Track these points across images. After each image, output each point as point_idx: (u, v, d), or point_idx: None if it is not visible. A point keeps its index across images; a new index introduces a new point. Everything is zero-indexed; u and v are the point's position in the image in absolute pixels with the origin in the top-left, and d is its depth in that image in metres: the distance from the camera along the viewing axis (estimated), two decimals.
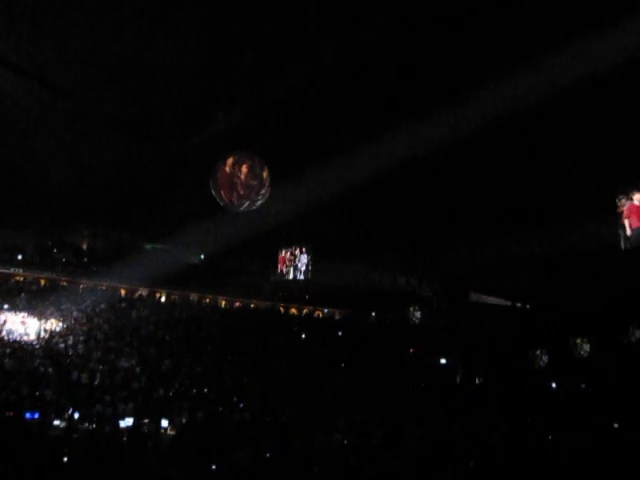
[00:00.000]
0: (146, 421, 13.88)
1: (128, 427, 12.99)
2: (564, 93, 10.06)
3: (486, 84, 10.56)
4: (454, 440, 14.40)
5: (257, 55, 10.93)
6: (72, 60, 11.99)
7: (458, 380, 25.81)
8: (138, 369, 18.68)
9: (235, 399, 17.33)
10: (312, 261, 23.80)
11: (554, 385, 26.22)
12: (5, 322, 21.89)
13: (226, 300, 31.79)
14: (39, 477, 10.06)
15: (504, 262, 19.72)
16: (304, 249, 23.60)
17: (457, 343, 27.24)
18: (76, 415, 13.89)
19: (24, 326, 21.78)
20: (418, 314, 24.39)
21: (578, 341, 23.74)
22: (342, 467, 10.68)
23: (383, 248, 22.26)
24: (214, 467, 10.50)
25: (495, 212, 16.81)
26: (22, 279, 27.17)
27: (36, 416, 13.26)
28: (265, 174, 9.66)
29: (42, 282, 27.68)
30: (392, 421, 15.83)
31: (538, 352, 24.31)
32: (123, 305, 26.82)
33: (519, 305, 31.86)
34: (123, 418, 13.71)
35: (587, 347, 23.63)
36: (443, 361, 27.40)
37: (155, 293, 30.23)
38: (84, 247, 29.63)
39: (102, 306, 25.34)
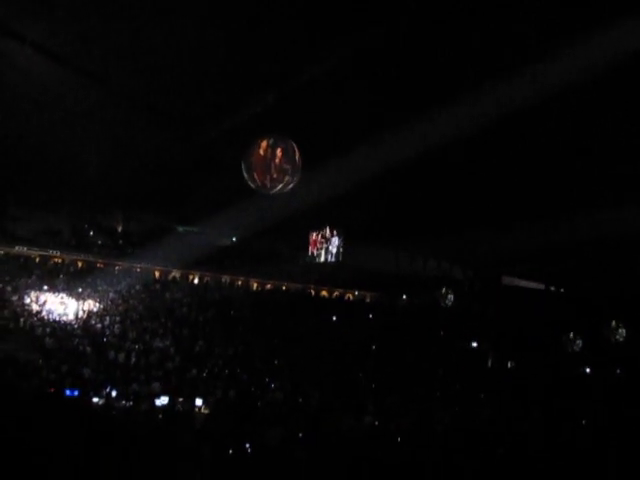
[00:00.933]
0: (180, 400, 14.19)
1: (163, 405, 13.33)
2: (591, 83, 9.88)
3: (519, 67, 10.40)
4: (484, 425, 14.38)
5: (288, 38, 10.93)
6: (109, 50, 12.16)
7: (489, 364, 25.67)
8: (172, 349, 19.06)
9: (267, 380, 17.57)
10: (343, 244, 23.80)
11: (588, 370, 25.88)
12: (45, 302, 22.52)
13: (258, 282, 32.13)
14: (78, 451, 10.42)
15: (537, 246, 19.46)
16: (335, 232, 23.60)
17: (489, 327, 27.06)
18: (113, 393, 14.28)
19: (63, 306, 22.38)
20: (450, 297, 24.26)
21: (613, 325, 23.32)
22: (371, 449, 10.77)
23: (415, 232, 22.15)
24: (247, 445, 10.70)
25: (529, 195, 16.57)
26: (60, 261, 27.88)
27: (75, 393, 13.69)
28: (298, 157, 9.69)
29: (79, 264, 28.38)
30: (422, 405, 15.88)
31: (572, 336, 23.98)
32: (157, 287, 27.37)
33: (553, 289, 31.41)
34: (158, 397, 14.06)
35: (623, 331, 23.20)
36: (474, 345, 27.26)
37: (188, 275, 30.72)
38: (119, 230, 30.23)
39: (137, 288, 25.91)
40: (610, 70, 9.41)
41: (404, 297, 31.31)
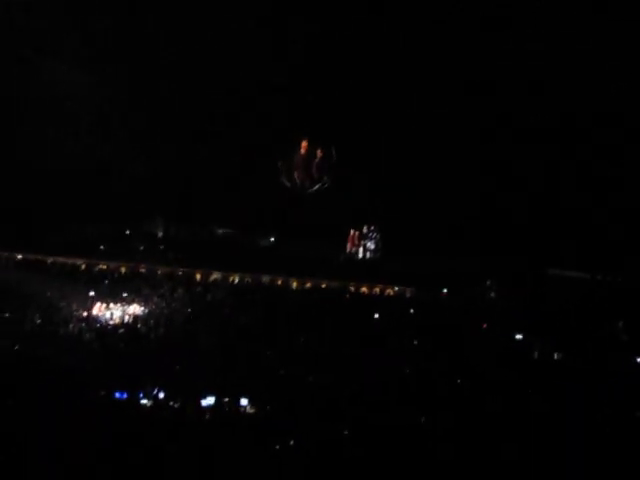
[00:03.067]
0: (226, 400, 14.40)
1: (210, 405, 13.57)
2: None
3: None
4: (530, 416, 14.16)
5: (324, 38, 10.99)
6: (147, 68, 12.45)
7: (536, 356, 25.17)
8: (216, 351, 19.31)
9: (310, 379, 17.63)
10: (382, 240, 23.70)
11: (638, 360, 25.12)
12: (91, 308, 23.11)
13: (297, 281, 32.22)
14: (128, 450, 10.67)
15: (583, 234, 19.05)
16: (373, 228, 23.52)
17: (535, 318, 26.53)
18: (161, 395, 14.57)
19: (109, 311, 22.93)
20: (493, 291, 23.92)
21: None
22: (416, 447, 10.74)
23: (456, 227, 21.96)
24: (292, 442, 10.79)
25: (573, 183, 16.27)
26: (105, 267, 28.56)
27: (124, 396, 14.04)
28: (335, 156, 9.78)
29: (122, 269, 29.00)
30: (465, 398, 15.73)
31: (621, 325, 23.36)
32: (199, 289, 27.74)
33: (600, 278, 30.59)
34: (204, 397, 14.30)
35: None
36: (519, 337, 26.74)
37: (228, 277, 31.04)
38: (159, 235, 30.78)
39: (179, 291, 26.34)
40: None
41: (445, 290, 30.85)
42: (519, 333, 27.03)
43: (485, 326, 26.74)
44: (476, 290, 25.25)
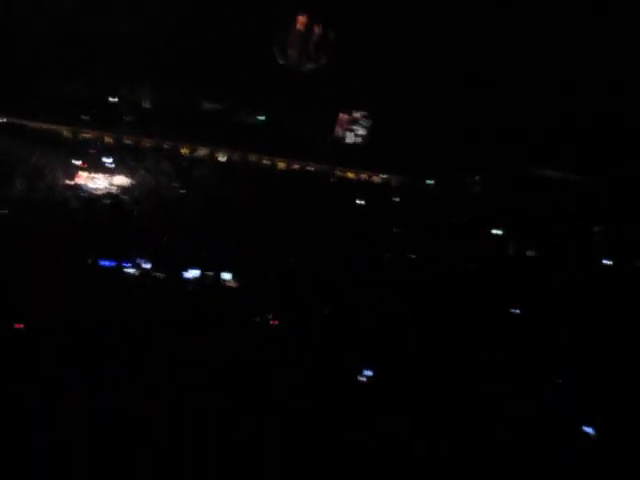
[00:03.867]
0: (210, 274, 14.84)
1: (194, 277, 14.03)
2: None
3: None
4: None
5: None
6: None
7: (511, 251, 25.93)
8: (200, 226, 19.54)
9: (293, 260, 18.08)
10: (371, 126, 23.40)
11: (611, 262, 25.98)
12: (76, 177, 22.93)
13: (284, 162, 31.99)
14: (113, 316, 11.09)
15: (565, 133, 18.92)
16: (364, 113, 23.12)
17: (513, 215, 26.98)
18: (146, 265, 14.94)
19: (93, 181, 22.79)
20: (477, 185, 24.10)
21: None
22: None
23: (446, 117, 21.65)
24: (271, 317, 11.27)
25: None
26: (89, 136, 27.93)
27: (110, 264, 14.38)
28: (333, 37, 9.37)
29: (107, 139, 28.42)
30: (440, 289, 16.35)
31: (597, 229, 23.93)
32: (184, 164, 27.49)
33: (579, 178, 30.77)
34: (187, 270, 14.72)
35: None
36: (498, 232, 27.35)
37: (214, 153, 30.66)
38: (146, 107, 29.88)
39: (165, 164, 26.06)
40: None
41: (432, 181, 30.96)
42: (498, 229, 27.70)
43: (466, 220, 27.27)
44: (462, 184, 25.42)
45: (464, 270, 19.93)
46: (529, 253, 26.05)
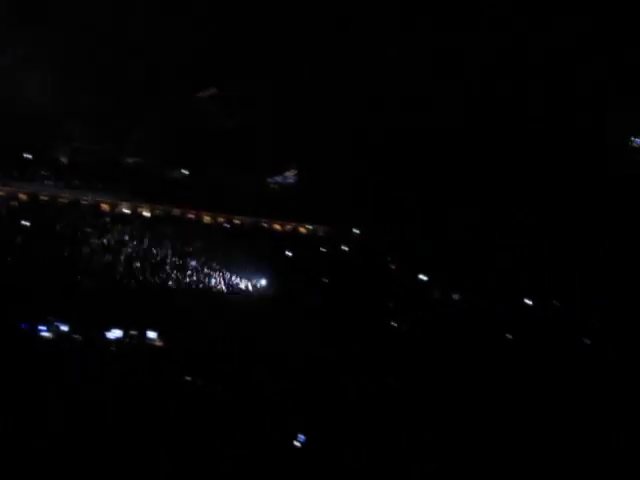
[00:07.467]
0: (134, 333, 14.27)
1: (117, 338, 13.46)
2: None
3: None
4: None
5: None
6: None
7: (437, 295, 26.48)
8: (126, 282, 18.94)
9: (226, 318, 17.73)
10: (298, 176, 23.70)
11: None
12: None
13: (210, 215, 31.70)
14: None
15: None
16: (289, 165, 23.41)
17: (438, 259, 27.57)
18: (64, 328, 14.20)
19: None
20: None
21: None
22: None
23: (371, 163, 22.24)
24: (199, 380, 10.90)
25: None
26: (3, 194, 26.72)
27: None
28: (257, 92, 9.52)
29: (22, 197, 27.27)
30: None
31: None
32: (107, 220, 26.69)
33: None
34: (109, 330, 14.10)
35: None
36: (424, 278, 27.95)
37: (137, 208, 29.98)
38: (64, 162, 29.01)
39: (85, 221, 25.18)
40: None
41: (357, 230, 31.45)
42: (424, 274, 28.28)
43: (394, 267, 27.74)
44: (387, 232, 26.01)
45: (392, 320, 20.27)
46: (455, 297, 26.75)
